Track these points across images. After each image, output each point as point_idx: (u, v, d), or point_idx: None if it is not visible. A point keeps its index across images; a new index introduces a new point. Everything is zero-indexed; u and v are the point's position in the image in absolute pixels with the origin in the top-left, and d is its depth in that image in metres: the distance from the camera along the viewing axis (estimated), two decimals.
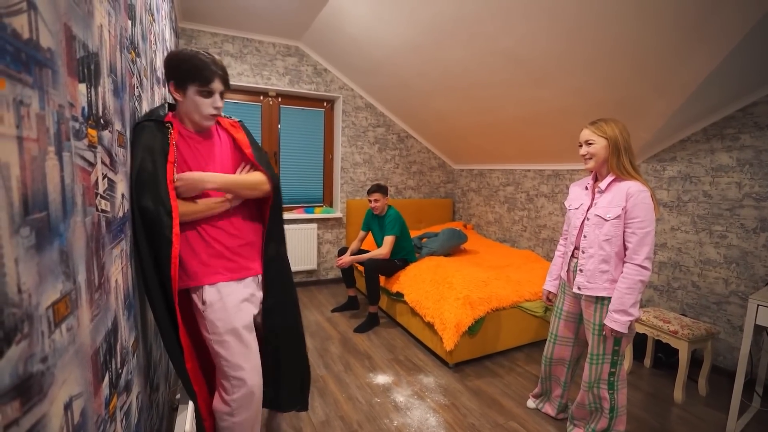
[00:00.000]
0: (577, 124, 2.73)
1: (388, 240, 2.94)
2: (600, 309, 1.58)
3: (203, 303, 1.27)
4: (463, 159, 4.55)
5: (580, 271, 1.63)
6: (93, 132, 0.69)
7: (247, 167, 1.38)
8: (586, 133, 1.59)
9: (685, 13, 1.72)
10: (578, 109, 2.66)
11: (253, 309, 1.38)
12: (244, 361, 1.30)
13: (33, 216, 0.45)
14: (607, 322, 1.52)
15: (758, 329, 1.91)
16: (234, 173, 1.35)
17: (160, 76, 1.82)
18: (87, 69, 0.66)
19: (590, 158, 1.58)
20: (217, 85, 1.23)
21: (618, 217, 1.50)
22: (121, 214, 0.93)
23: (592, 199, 1.63)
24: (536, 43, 2.28)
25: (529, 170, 3.79)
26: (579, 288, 1.63)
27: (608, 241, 1.53)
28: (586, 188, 1.69)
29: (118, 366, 0.83)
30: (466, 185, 4.69)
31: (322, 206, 4.24)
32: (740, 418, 1.88)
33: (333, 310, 3.33)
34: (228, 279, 1.32)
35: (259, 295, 1.42)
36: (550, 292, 1.88)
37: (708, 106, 2.31)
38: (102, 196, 0.75)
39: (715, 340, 2.37)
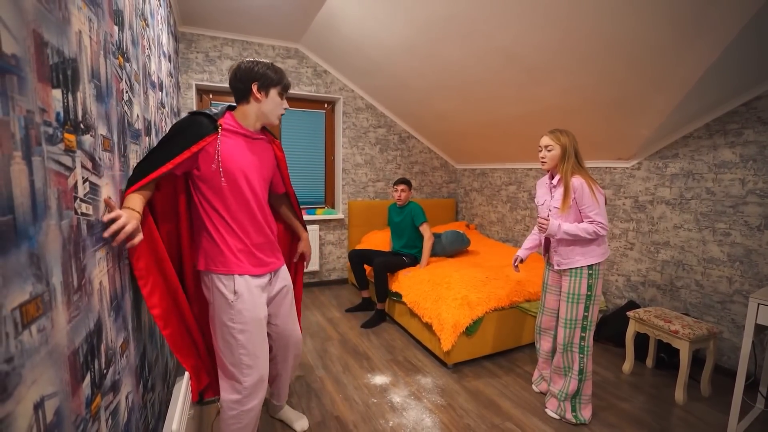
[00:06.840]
0: (576, 121, 2.70)
1: (425, 227, 3.10)
2: (573, 279, 1.85)
3: (234, 293, 1.37)
4: (465, 159, 4.53)
5: (555, 252, 1.94)
6: (70, 137, 0.71)
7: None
8: (546, 140, 1.87)
9: (680, 7, 1.70)
10: (576, 107, 2.63)
11: (266, 304, 1.52)
12: (261, 350, 1.43)
13: None
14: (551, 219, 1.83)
15: (762, 329, 1.87)
16: (268, 177, 1.54)
17: (156, 80, 1.84)
18: (63, 75, 0.67)
19: (546, 162, 1.88)
20: (288, 90, 1.50)
21: (570, 206, 1.81)
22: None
23: (551, 194, 1.93)
24: (532, 40, 2.26)
25: (530, 169, 3.76)
26: (558, 265, 1.93)
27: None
28: (548, 186, 1.97)
29: (103, 366, 0.85)
30: (468, 185, 4.67)
31: (323, 207, 4.25)
32: (743, 419, 1.84)
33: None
34: (253, 273, 1.43)
35: (270, 289, 1.54)
36: (519, 257, 2.16)
37: (709, 102, 2.27)
38: (82, 200, 0.77)
39: (718, 340, 2.33)
